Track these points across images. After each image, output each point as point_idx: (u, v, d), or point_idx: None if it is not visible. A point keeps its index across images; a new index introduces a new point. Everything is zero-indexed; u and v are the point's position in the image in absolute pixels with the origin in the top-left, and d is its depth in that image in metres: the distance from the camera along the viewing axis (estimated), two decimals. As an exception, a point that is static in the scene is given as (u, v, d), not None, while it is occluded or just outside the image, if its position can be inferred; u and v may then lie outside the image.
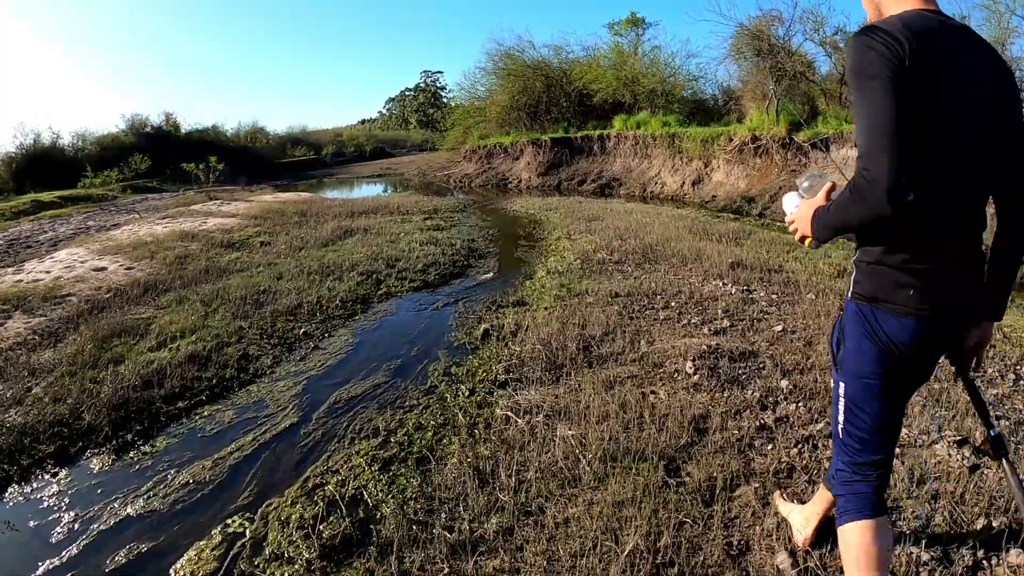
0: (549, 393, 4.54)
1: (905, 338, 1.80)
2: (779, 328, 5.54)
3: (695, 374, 4.61)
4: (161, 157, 31.42)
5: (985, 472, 2.98)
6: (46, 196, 25.62)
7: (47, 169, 28.46)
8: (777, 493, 2.97)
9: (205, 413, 4.88)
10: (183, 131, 38.52)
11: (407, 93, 76.71)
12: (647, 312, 6.32)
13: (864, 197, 1.61)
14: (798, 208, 1.97)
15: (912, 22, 1.65)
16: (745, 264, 7.97)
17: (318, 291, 8.09)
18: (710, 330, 5.63)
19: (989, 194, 1.84)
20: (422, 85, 73.58)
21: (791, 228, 2.01)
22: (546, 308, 6.64)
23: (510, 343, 5.77)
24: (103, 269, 10.17)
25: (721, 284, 7.12)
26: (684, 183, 19.18)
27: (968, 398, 2.24)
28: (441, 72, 75.57)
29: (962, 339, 1.97)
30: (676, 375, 4.67)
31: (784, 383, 4.40)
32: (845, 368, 1.97)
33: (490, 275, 8.92)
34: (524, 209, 15.43)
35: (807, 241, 1.93)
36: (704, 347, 5.08)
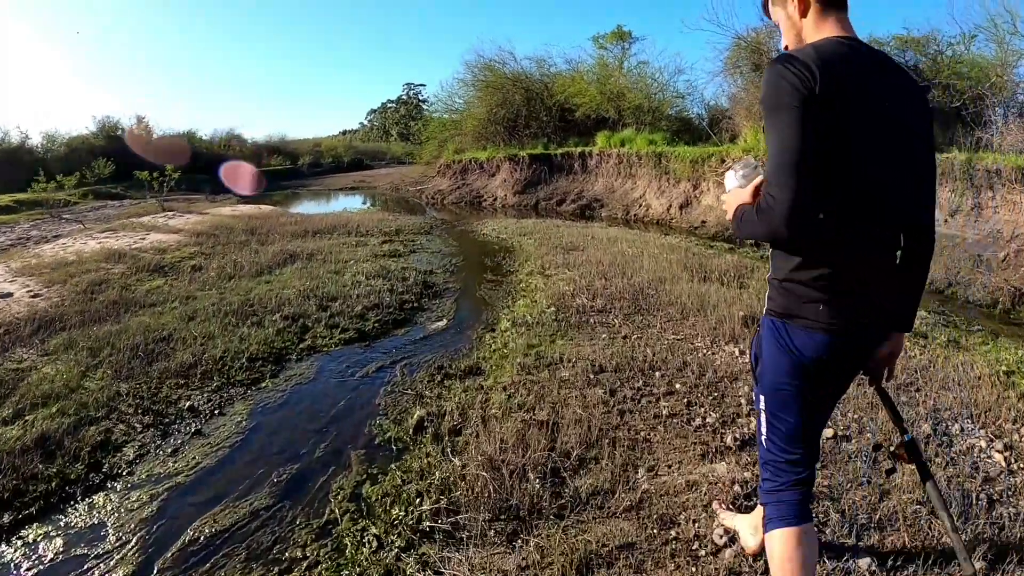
0: (495, 568, 2.74)
1: (815, 352, 1.82)
2: (829, 434, 3.74)
3: (727, 548, 2.78)
4: (130, 162, 29.09)
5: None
6: (2, 199, 23.75)
7: (14, 170, 26.75)
8: (716, 503, 2.99)
9: (29, 538, 3.42)
10: (154, 135, 36.37)
11: (389, 105, 74.92)
12: (644, 401, 4.51)
13: (765, 219, 1.66)
14: (731, 192, 1.97)
15: (826, 50, 1.68)
16: (759, 319, 6.18)
17: (228, 341, 6.38)
18: (736, 440, 3.82)
19: (902, 213, 1.83)
20: (404, 98, 71.82)
21: (724, 207, 1.99)
22: (504, 388, 4.85)
23: (449, 449, 3.98)
24: (7, 296, 8.63)
25: (737, 352, 5.34)
26: (671, 206, 17.47)
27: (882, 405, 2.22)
28: (424, 85, 73.62)
29: (875, 352, 1.99)
30: (699, 552, 2.83)
31: (865, 563, 2.63)
32: (763, 382, 2.00)
33: (443, 323, 7.09)
34: (496, 233, 13.63)
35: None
36: (734, 482, 3.29)
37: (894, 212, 1.80)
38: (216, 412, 4.96)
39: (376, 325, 6.98)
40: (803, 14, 1.84)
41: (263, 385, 5.51)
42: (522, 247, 11.53)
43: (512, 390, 4.75)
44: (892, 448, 2.40)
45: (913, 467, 2.11)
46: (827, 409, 2.06)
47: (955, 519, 2.27)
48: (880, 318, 1.86)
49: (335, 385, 5.48)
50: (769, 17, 2.03)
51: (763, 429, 2.04)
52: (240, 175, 28.50)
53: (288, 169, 41.69)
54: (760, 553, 2.51)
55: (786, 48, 1.91)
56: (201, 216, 17.54)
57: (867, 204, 1.72)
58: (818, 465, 2.71)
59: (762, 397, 2.02)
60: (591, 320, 6.52)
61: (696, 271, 8.63)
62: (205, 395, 5.26)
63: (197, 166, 33.05)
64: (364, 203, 24.18)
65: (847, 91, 1.64)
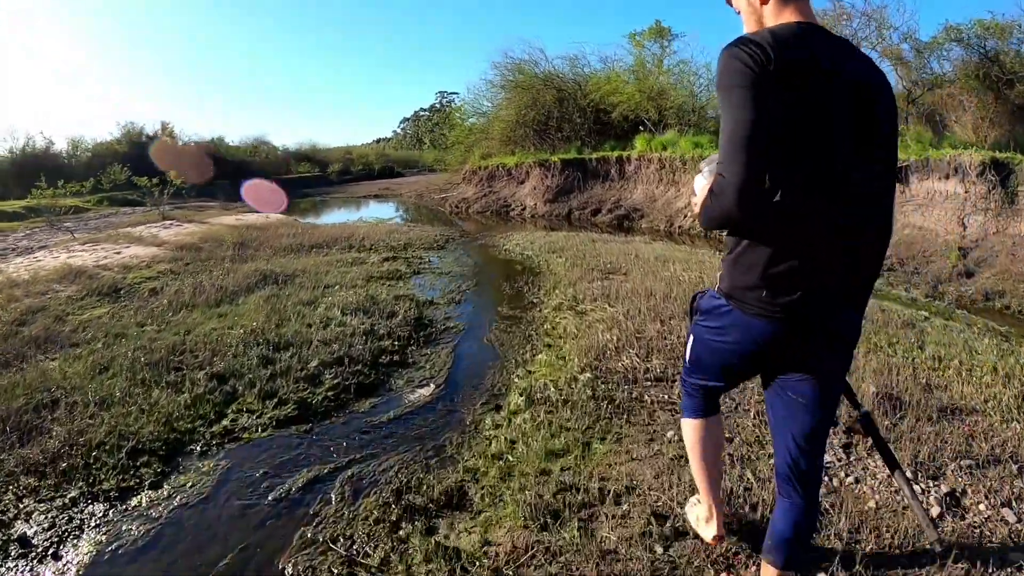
0: None
1: (752, 337, 1.81)
2: None
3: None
4: (153, 168, 28.00)
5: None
6: (10, 206, 22.29)
7: (39, 175, 24.94)
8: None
9: None
10: (179, 142, 34.91)
11: (422, 113, 73.13)
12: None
13: (719, 199, 1.60)
14: (700, 191, 1.87)
15: (783, 32, 1.63)
16: (894, 392, 3.88)
17: (124, 412, 4.44)
18: None
19: (863, 198, 1.71)
20: (437, 106, 69.92)
21: (695, 210, 1.87)
22: (497, 571, 2.54)
23: None
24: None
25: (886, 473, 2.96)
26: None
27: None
28: (456, 93, 71.42)
29: (821, 336, 1.81)
30: None
31: None
32: (696, 329, 2.06)
33: (428, 391, 4.81)
34: (520, 249, 11.28)
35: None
36: None
37: (855, 197, 1.69)
38: (50, 552, 3.06)
39: (329, 394, 4.72)
40: (763, 1, 1.74)
41: (134, 502, 3.50)
42: (551, 268, 9.18)
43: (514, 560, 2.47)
44: (848, 423, 2.30)
45: (870, 440, 2.13)
46: (750, 375, 2.13)
47: (914, 487, 2.21)
48: (828, 307, 1.74)
49: (233, 515, 3.33)
50: (731, 4, 1.90)
51: (687, 355, 2.16)
52: (263, 194, 26.46)
53: (316, 176, 39.98)
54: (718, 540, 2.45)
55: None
56: (198, 226, 15.56)
57: (827, 187, 1.64)
58: None
59: (691, 336, 2.10)
60: (646, 398, 4.18)
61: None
62: (52, 513, 3.37)
63: (224, 172, 32.04)
64: (404, 212, 21.96)
65: (804, 70, 1.57)
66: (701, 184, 1.92)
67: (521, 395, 4.38)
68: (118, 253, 11.78)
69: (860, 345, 4.53)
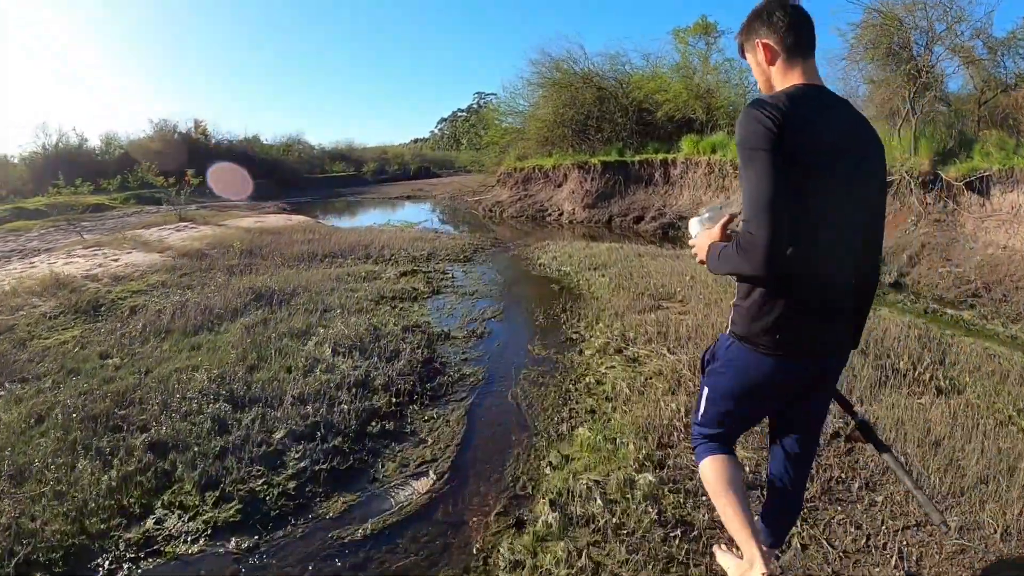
0: None
1: (767, 377, 1.91)
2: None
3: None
4: (187, 166, 27.50)
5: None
6: (34, 203, 21.64)
7: (72, 171, 24.61)
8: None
9: None
10: (212, 140, 34.16)
11: (459, 114, 71.97)
12: None
13: (747, 258, 1.69)
14: (699, 236, 2.04)
15: (795, 95, 1.73)
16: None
17: (33, 497, 3.31)
18: None
19: (858, 251, 1.89)
20: (475, 107, 68.71)
21: (693, 252, 2.07)
22: None
23: None
24: None
25: None
26: (775, 227, 13.46)
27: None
28: (494, 94, 70.34)
29: (825, 376, 2.01)
30: None
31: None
32: (711, 380, 2.11)
33: (425, 484, 3.48)
34: (558, 263, 9.85)
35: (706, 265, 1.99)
36: None
37: (851, 249, 1.87)
38: None
39: (291, 485, 3.42)
40: (770, 62, 1.87)
41: None
42: (592, 291, 7.76)
43: None
44: (848, 432, 2.36)
45: (869, 445, 2.20)
46: (761, 417, 2.28)
47: (915, 478, 2.36)
48: (833, 347, 1.94)
49: None
50: (744, 58, 2.02)
51: (700, 410, 2.17)
52: (227, 178, 25.38)
53: (351, 175, 39.01)
54: None
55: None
56: (213, 229, 14.44)
57: (827, 245, 1.76)
58: None
59: (706, 388, 2.14)
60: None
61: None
62: None
63: (258, 172, 31.24)
64: (426, 214, 20.71)
65: (811, 132, 1.69)
66: (697, 229, 2.05)
67: (553, 506, 3.01)
68: (115, 260, 10.69)
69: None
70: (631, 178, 17.78)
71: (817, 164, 1.69)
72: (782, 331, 1.82)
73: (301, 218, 17.18)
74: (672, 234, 15.08)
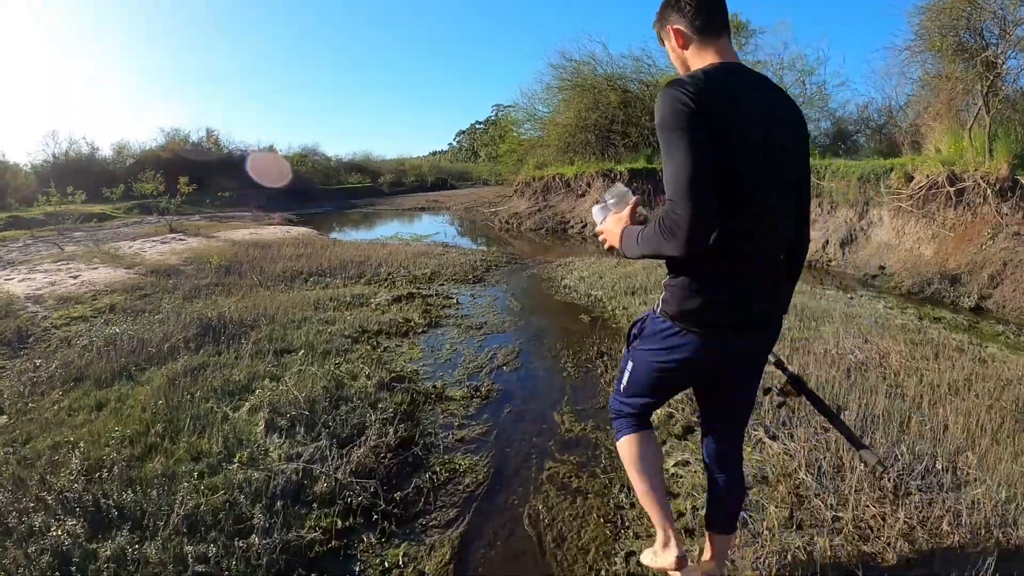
0: None
1: (695, 355, 1.82)
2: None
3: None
4: (197, 176, 26.31)
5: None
6: (31, 212, 20.28)
7: (82, 180, 23.19)
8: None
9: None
10: (224, 150, 32.82)
11: (477, 126, 70.52)
12: None
13: (669, 237, 1.61)
14: (606, 221, 1.97)
15: (711, 73, 1.68)
16: None
17: None
18: None
19: (785, 228, 1.83)
20: (493, 119, 67.27)
21: (600, 238, 2.00)
22: None
23: None
24: None
25: None
26: (828, 242, 11.65)
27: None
28: (512, 106, 69.00)
29: (754, 355, 1.97)
30: None
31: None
32: (637, 356, 2.00)
33: None
34: (586, 285, 8.00)
35: (615, 250, 1.92)
36: None
37: (778, 227, 1.80)
38: None
39: None
40: (683, 47, 1.83)
41: None
42: (632, 321, 5.98)
43: None
44: (780, 386, 2.21)
45: (801, 397, 2.18)
46: (680, 390, 2.29)
47: (847, 424, 2.12)
48: (763, 324, 1.87)
49: None
50: (662, 44, 1.96)
51: (623, 379, 2.08)
52: (268, 169, 24.45)
53: (366, 187, 37.50)
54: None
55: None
56: (201, 241, 12.84)
57: (754, 219, 1.70)
58: None
59: (630, 362, 2.03)
60: None
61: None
62: None
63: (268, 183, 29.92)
64: (438, 226, 18.98)
65: (728, 109, 1.63)
66: (601, 216, 1.98)
67: None
68: (75, 277, 9.08)
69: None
70: (661, 187, 15.89)
71: (738, 140, 1.62)
72: (712, 309, 1.76)
73: (301, 230, 15.55)
74: (709, 250, 13.26)
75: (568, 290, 7.89)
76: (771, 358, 2.12)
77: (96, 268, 9.89)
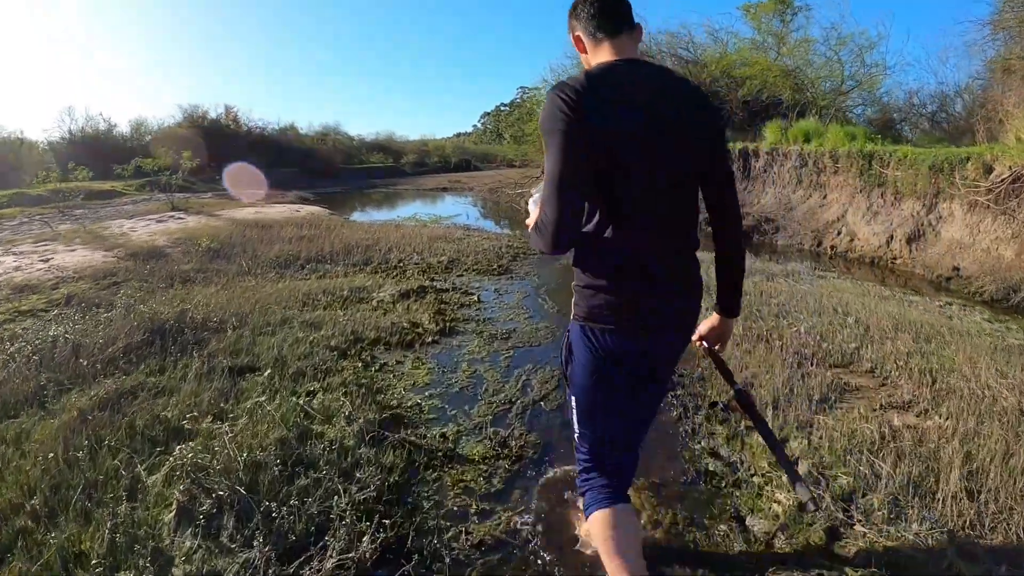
0: None
1: (612, 353, 1.74)
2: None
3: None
4: (216, 153, 25.90)
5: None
6: (36, 189, 19.26)
7: (98, 158, 22.81)
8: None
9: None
10: (243, 127, 31.63)
11: (502, 108, 68.79)
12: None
13: (540, 237, 1.64)
14: (532, 216, 1.86)
15: (597, 73, 1.63)
16: None
17: None
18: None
19: (681, 220, 1.75)
20: (518, 101, 65.52)
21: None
22: None
23: None
24: None
25: None
26: (892, 237, 10.12)
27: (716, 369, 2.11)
28: (538, 88, 67.29)
29: (673, 349, 1.87)
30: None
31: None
32: (574, 383, 1.89)
33: None
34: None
35: None
36: None
37: (674, 222, 1.73)
38: None
39: None
40: (584, 51, 1.79)
41: None
42: None
43: None
44: (727, 401, 2.16)
45: (744, 414, 2.10)
46: (635, 414, 1.94)
47: (786, 454, 2.05)
48: (668, 324, 1.78)
49: None
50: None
51: (575, 426, 1.94)
52: (243, 178, 22.92)
53: (388, 167, 36.15)
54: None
55: None
56: (201, 220, 11.60)
57: (639, 216, 1.65)
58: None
59: (573, 399, 1.92)
60: None
61: None
62: None
63: (288, 160, 29.21)
64: (460, 208, 17.56)
65: (605, 111, 1.57)
66: (533, 210, 1.88)
67: None
68: (45, 261, 7.88)
69: None
70: (700, 171, 14.40)
71: (622, 140, 1.58)
72: (614, 308, 1.70)
73: (312, 209, 14.26)
74: (757, 239, 11.79)
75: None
76: (720, 371, 2.07)
77: (74, 250, 8.68)
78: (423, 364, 4.05)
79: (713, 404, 2.46)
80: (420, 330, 4.66)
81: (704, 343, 2.07)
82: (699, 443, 3.00)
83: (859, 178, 11.27)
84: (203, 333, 4.49)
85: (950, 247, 9.24)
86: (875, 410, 3.30)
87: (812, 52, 15.55)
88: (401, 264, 7.31)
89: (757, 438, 2.98)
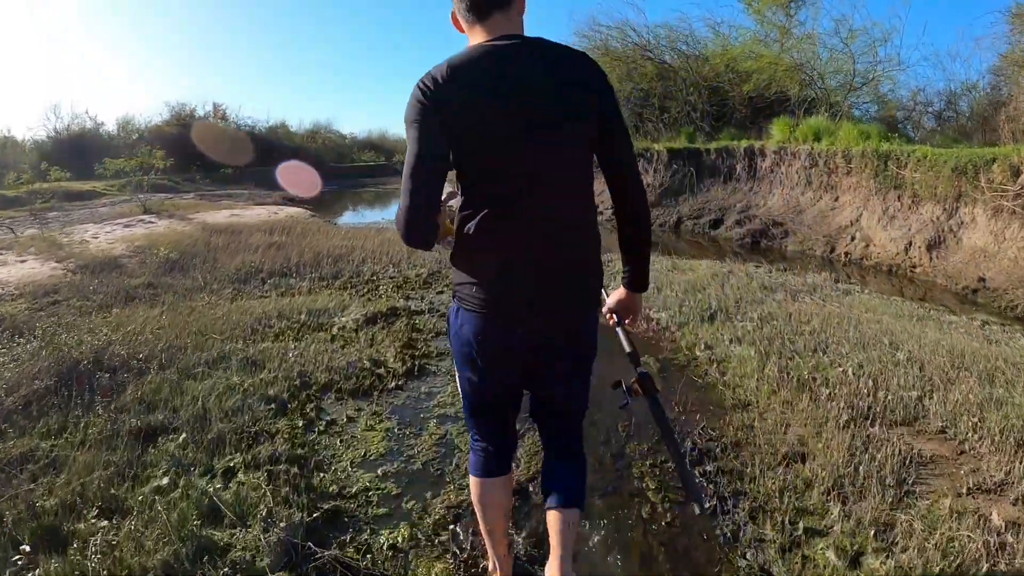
0: None
1: (475, 333, 1.69)
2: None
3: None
4: (202, 151, 25.71)
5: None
6: (13, 191, 18.45)
7: (84, 156, 22.31)
8: None
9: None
10: (233, 124, 30.79)
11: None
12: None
13: (398, 226, 1.59)
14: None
15: (457, 58, 1.56)
16: None
17: None
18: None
19: (565, 202, 1.64)
20: (514, 97, 64.83)
21: None
22: None
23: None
24: None
25: None
26: (912, 244, 9.31)
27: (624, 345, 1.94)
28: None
29: (556, 331, 1.72)
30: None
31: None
32: (455, 359, 1.86)
33: None
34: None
35: None
36: None
37: (541, 205, 1.60)
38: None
39: None
40: (462, 31, 1.71)
41: None
42: (731, 383, 3.70)
43: None
44: (629, 383, 1.91)
45: (648, 399, 1.87)
46: (505, 393, 1.87)
47: (683, 456, 1.98)
48: (547, 311, 1.67)
49: None
50: None
51: (462, 396, 1.95)
52: (298, 176, 23.10)
53: (380, 165, 35.11)
54: None
55: None
56: (172, 225, 10.72)
57: (504, 199, 1.59)
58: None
59: (456, 370, 1.92)
60: None
61: None
62: None
63: (277, 158, 27.93)
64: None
65: (464, 97, 1.52)
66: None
67: None
68: (-14, 272, 7.00)
69: None
70: (705, 170, 13.51)
71: (479, 129, 1.53)
72: (482, 289, 1.64)
73: (292, 211, 13.40)
74: (765, 244, 10.98)
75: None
76: (626, 348, 1.92)
77: (25, 260, 7.84)
78: (380, 422, 3.19)
79: (616, 384, 2.07)
80: (383, 371, 3.80)
81: (613, 316, 1.96)
82: (743, 556, 2.17)
83: (874, 179, 10.48)
84: (123, 375, 3.67)
85: (973, 255, 8.46)
86: (961, 494, 2.50)
87: (820, 45, 14.70)
88: (374, 279, 6.46)
89: (822, 547, 2.16)
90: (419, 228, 1.54)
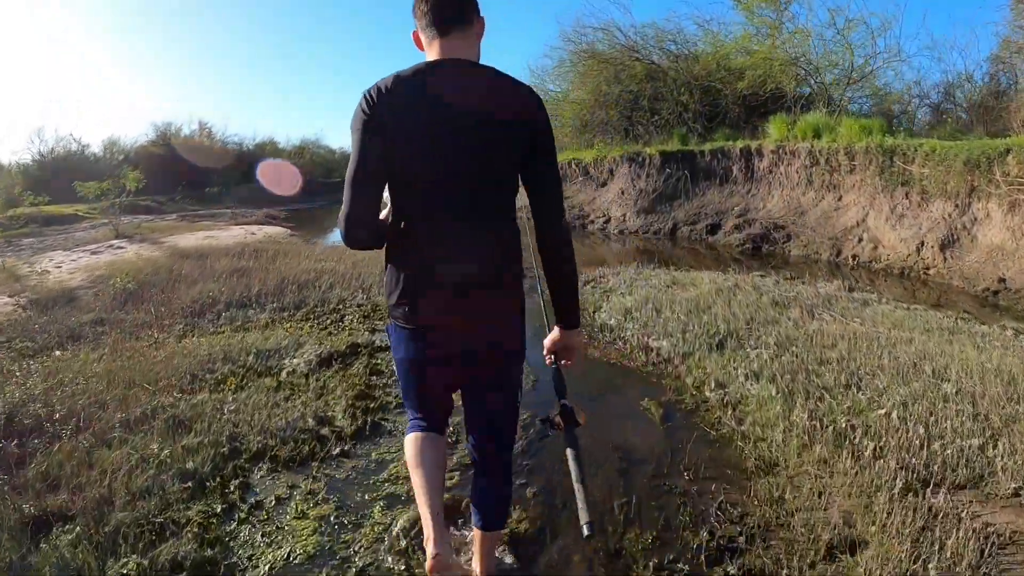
0: None
1: (407, 347, 1.76)
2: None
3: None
4: (189, 171, 25.22)
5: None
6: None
7: (69, 179, 21.73)
8: None
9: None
10: (218, 143, 30.26)
11: (489, 114, 67.76)
12: None
13: (340, 232, 1.64)
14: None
15: (407, 75, 1.61)
16: None
17: None
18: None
19: (486, 219, 1.67)
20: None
21: None
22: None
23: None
24: None
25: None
26: (923, 243, 8.72)
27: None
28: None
29: (475, 358, 1.78)
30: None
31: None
32: (394, 355, 1.90)
33: None
34: (638, 327, 4.91)
35: None
36: None
37: (472, 224, 1.64)
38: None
39: None
40: (421, 47, 1.76)
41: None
42: (758, 444, 3.01)
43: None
44: (550, 415, 1.92)
45: (563, 431, 1.85)
46: (441, 392, 1.94)
47: (584, 478, 1.75)
48: (469, 323, 1.71)
49: None
50: None
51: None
52: (277, 174, 23.49)
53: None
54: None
55: None
56: (137, 251, 10.08)
57: (428, 215, 1.63)
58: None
59: (395, 361, 1.93)
60: None
61: None
62: None
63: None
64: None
65: (399, 113, 1.56)
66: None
67: None
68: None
69: None
70: (699, 173, 12.93)
71: (411, 142, 1.57)
72: (407, 304, 1.69)
73: (270, 231, 12.85)
74: (766, 249, 10.38)
75: (609, 335, 4.91)
76: (554, 384, 1.92)
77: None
78: (315, 506, 2.53)
79: (544, 420, 2.00)
80: (327, 431, 3.15)
81: (550, 357, 1.94)
82: None
83: (879, 176, 9.92)
84: (33, 441, 3.03)
85: (990, 254, 7.89)
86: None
87: (816, 37, 14.16)
88: (340, 307, 5.81)
89: None
90: (357, 232, 1.60)
